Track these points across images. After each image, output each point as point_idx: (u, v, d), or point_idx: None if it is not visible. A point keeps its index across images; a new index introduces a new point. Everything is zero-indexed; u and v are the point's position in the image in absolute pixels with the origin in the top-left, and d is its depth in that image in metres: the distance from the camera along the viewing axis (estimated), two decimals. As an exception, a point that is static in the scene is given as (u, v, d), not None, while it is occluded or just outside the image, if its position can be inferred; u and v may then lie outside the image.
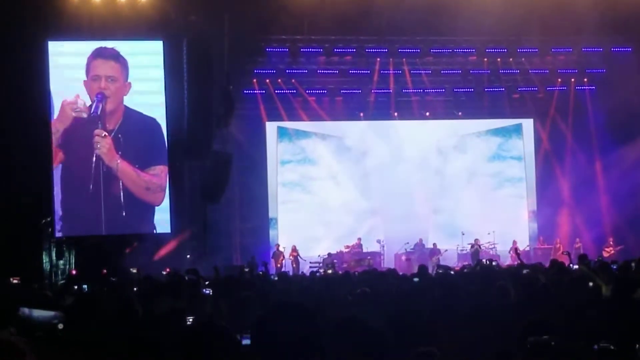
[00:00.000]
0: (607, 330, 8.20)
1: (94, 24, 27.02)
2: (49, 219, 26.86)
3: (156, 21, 27.64)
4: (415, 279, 15.85)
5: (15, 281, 18.74)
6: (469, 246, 31.11)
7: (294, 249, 30.66)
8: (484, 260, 23.85)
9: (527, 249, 32.33)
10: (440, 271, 20.74)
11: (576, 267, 17.08)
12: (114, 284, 16.76)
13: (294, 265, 30.08)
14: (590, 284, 12.34)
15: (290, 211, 32.84)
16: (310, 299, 11.88)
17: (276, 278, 20.08)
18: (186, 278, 16.53)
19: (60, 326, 8.96)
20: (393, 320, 9.73)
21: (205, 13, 27.62)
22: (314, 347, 4.79)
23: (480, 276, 15.91)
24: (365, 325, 6.81)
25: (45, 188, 26.62)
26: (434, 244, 31.91)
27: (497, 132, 34.67)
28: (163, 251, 26.95)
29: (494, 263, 21.83)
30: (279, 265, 29.72)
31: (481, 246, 30.90)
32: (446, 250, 31.93)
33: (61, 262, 26.88)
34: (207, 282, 16.26)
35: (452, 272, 19.47)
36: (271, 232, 32.25)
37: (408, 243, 31.80)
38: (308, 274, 23.88)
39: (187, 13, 27.79)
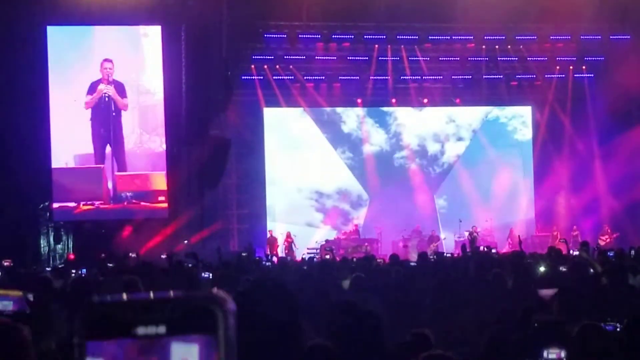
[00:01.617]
0: (606, 315, 8.23)
1: (92, 10, 27.02)
2: (46, 204, 26.95)
3: (154, 6, 27.65)
4: (412, 263, 15.96)
5: (6, 264, 18.75)
6: (467, 233, 31.08)
7: (289, 235, 30.59)
8: (482, 248, 23.94)
9: (524, 236, 32.26)
10: (434, 257, 20.86)
11: (576, 253, 17.14)
12: (112, 269, 16.78)
13: (287, 252, 29.99)
14: (591, 270, 12.38)
15: (287, 197, 32.83)
16: (308, 283, 11.91)
17: (268, 264, 20.16)
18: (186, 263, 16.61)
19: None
20: (388, 305, 9.79)
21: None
22: (292, 328, 4.79)
23: (477, 263, 15.93)
24: (361, 309, 6.83)
25: (44, 172, 26.72)
26: (433, 231, 31.91)
27: (495, 119, 34.66)
28: (160, 236, 27.00)
29: (493, 251, 21.84)
30: (274, 252, 29.62)
31: (479, 233, 30.88)
32: (444, 238, 31.97)
33: (59, 246, 27.01)
34: (204, 266, 16.29)
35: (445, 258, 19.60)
36: (268, 218, 32.22)
37: (405, 230, 31.78)
38: (306, 259, 23.95)
39: (185, -1, 27.84)
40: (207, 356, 1.83)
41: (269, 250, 29.55)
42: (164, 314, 1.84)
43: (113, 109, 27.52)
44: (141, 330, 1.84)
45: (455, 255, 24.24)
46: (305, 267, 18.43)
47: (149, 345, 1.84)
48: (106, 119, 27.47)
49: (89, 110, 27.41)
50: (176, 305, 1.85)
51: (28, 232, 26.34)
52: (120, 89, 27.63)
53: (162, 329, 1.84)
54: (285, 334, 4.53)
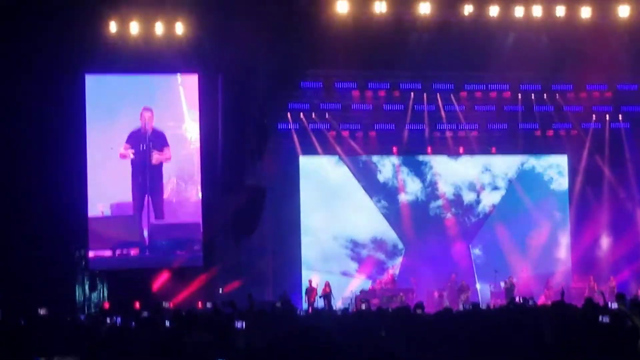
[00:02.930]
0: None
1: (130, 58, 27.32)
2: (82, 252, 27.05)
3: (192, 55, 27.93)
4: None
5: (42, 312, 18.79)
6: (503, 284, 30.91)
7: (327, 285, 30.40)
8: (518, 298, 23.70)
9: (560, 287, 31.93)
10: (468, 307, 20.65)
11: (614, 305, 16.93)
12: (146, 318, 16.79)
13: (327, 302, 29.88)
14: (629, 323, 12.23)
15: (322, 246, 32.69)
16: (343, 334, 11.86)
17: (303, 314, 20.10)
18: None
19: None
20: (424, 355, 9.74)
21: (240, 47, 27.80)
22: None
23: (514, 315, 15.81)
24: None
25: (80, 220, 26.88)
26: (462, 281, 31.63)
27: (531, 169, 34.43)
28: (196, 284, 27.03)
29: (530, 302, 21.60)
30: (312, 301, 29.62)
31: (515, 284, 30.69)
32: (479, 288, 31.74)
33: (94, 294, 27.05)
34: (240, 315, 16.27)
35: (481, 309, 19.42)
36: (303, 267, 32.09)
37: (441, 279, 31.60)
38: (341, 309, 23.84)
39: (222, 47, 28.02)
40: None
41: (307, 299, 29.57)
42: None
43: (154, 157, 27.74)
44: None
45: (492, 306, 24.09)
46: (341, 317, 18.41)
47: None
48: (145, 168, 27.67)
49: (128, 160, 27.62)
50: None
51: (64, 280, 26.41)
52: (160, 138, 27.88)
53: None
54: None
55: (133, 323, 15.55)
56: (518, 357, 10.05)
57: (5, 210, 25.89)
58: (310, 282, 30.73)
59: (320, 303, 29.40)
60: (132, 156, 27.62)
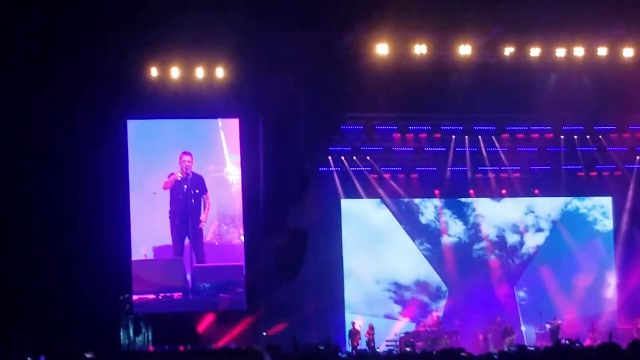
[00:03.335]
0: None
1: (171, 103, 27.55)
2: (127, 296, 27.19)
3: (232, 99, 28.13)
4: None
5: (89, 356, 18.90)
6: (548, 326, 30.61)
7: (371, 327, 30.29)
8: (564, 341, 23.46)
9: (606, 329, 31.54)
10: (513, 349, 20.49)
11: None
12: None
13: (371, 345, 29.75)
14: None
15: (365, 289, 32.54)
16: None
17: (346, 356, 20.01)
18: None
19: None
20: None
21: (281, 91, 27.95)
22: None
23: (560, 357, 15.63)
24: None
25: (124, 264, 27.04)
26: (506, 324, 31.35)
27: (574, 210, 34.18)
28: (239, 327, 27.06)
29: (577, 344, 21.37)
30: (355, 344, 29.48)
31: (560, 326, 30.40)
32: (524, 330, 31.46)
33: (139, 338, 27.15)
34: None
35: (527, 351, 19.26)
36: (346, 310, 31.94)
37: (485, 322, 31.36)
38: (385, 352, 23.70)
39: (263, 91, 28.18)
40: None
41: (350, 342, 29.46)
42: None
43: (193, 201, 27.92)
44: None
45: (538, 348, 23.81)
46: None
47: None
48: (186, 211, 27.85)
49: (168, 202, 27.79)
50: None
51: (109, 324, 26.55)
52: (200, 183, 28.08)
53: None
54: None
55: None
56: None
57: (50, 256, 26.04)
58: (353, 324, 30.62)
59: (364, 346, 29.30)
60: (180, 176, 27.81)
